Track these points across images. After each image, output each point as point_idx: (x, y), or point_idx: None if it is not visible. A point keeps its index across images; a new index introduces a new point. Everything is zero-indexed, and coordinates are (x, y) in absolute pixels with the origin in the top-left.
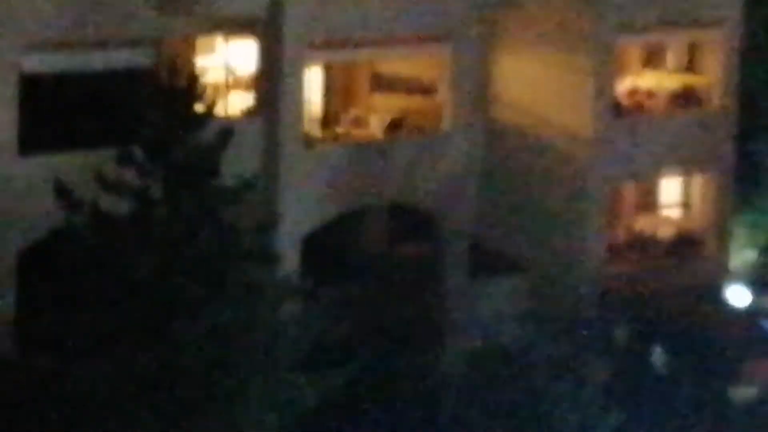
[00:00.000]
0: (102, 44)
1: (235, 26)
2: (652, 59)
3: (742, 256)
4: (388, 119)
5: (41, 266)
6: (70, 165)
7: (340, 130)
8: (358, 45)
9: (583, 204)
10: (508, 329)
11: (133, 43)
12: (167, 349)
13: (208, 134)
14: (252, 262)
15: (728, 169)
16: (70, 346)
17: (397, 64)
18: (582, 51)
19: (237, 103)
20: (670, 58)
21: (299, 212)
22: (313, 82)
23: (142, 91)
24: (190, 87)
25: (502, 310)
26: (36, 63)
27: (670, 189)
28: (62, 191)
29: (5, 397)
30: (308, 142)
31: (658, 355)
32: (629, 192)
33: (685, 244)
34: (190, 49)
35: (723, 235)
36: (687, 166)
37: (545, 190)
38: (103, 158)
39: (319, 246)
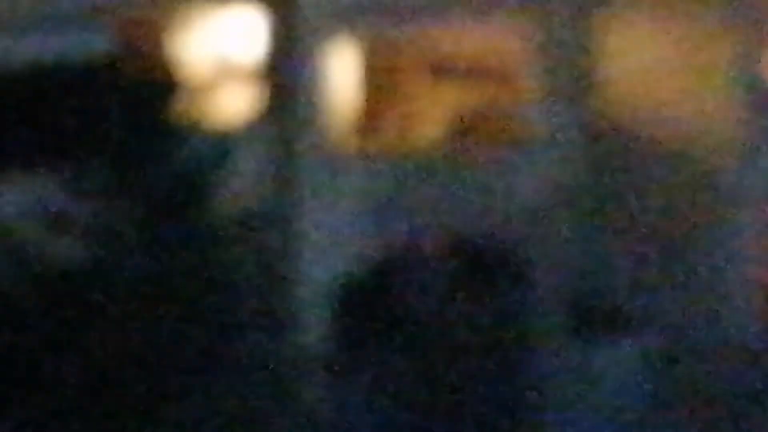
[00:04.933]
0: (33, 21)
1: None
2: None
3: None
4: (454, 119)
5: None
6: None
7: (385, 135)
8: (408, 12)
9: (726, 236)
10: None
11: (79, 19)
12: None
13: (194, 149)
14: (259, 331)
15: None
16: None
17: (465, 39)
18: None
19: (234, 101)
20: None
21: (328, 254)
22: (344, 67)
23: (94, 87)
24: (164, 79)
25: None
26: None
27: None
28: None
29: None
30: (339, 154)
31: None
32: None
33: None
34: (163, 24)
35: None
36: None
37: (672, 217)
38: (45, 184)
39: (358, 301)
